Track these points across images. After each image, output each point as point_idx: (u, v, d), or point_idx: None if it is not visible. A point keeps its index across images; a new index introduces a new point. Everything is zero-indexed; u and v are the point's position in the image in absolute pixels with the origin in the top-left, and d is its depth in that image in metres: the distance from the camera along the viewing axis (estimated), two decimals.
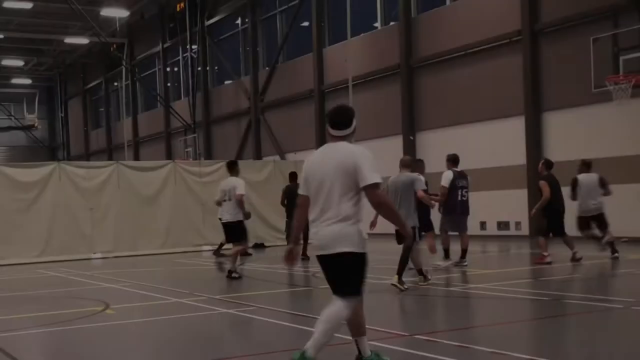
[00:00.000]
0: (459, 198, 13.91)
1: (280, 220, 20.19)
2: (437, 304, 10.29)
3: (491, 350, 6.47)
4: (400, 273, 10.89)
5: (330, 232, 5.68)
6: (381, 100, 26.48)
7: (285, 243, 19.41)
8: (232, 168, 14.10)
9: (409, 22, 25.09)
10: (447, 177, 13.95)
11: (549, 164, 14.35)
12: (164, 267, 17.44)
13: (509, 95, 21.53)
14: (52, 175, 20.71)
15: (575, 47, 19.38)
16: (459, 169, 14.12)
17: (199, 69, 38.53)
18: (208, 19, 37.96)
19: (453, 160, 14.19)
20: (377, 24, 27.31)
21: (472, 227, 22.05)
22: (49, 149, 60.85)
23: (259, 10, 34.67)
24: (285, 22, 32.57)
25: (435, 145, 23.70)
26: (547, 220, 14.08)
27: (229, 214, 13.69)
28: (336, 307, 5.65)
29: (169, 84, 44.20)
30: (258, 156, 33.32)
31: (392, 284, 10.81)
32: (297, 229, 6.15)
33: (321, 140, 29.37)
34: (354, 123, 5.97)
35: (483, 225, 21.94)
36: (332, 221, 5.68)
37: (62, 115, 61.01)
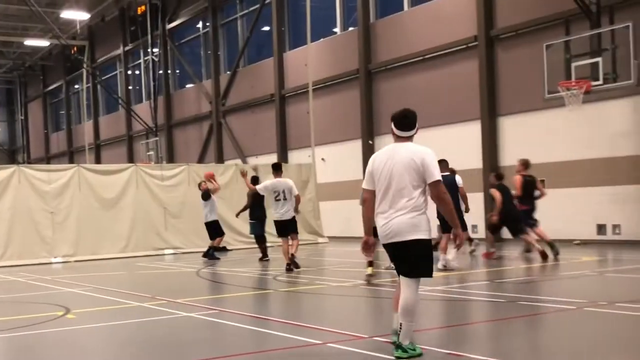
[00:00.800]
0: None
1: (244, 223, 20.14)
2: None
3: (447, 352, 6.56)
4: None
5: (402, 221, 6.35)
6: (341, 105, 26.59)
7: (252, 245, 19.48)
8: (279, 169, 15.26)
9: (367, 27, 25.23)
10: None
11: (499, 176, 15.48)
12: (126, 271, 17.30)
13: (465, 100, 21.77)
14: (11, 179, 20.42)
15: (529, 53, 19.65)
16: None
17: (161, 72, 38.30)
18: (169, 23, 37.76)
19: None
20: (337, 29, 27.41)
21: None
22: (8, 152, 60.00)
23: (220, 14, 34.59)
24: (246, 27, 32.54)
25: None
26: (500, 222, 15.10)
27: (287, 212, 14.96)
28: (408, 290, 6.32)
29: (130, 87, 43.86)
30: (220, 160, 33.23)
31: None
32: (368, 221, 6.61)
33: (282, 145, 29.38)
34: (417, 125, 6.75)
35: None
36: (404, 212, 6.36)
37: (22, 118, 60.16)
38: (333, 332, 7.59)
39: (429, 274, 6.47)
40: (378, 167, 6.60)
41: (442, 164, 14.08)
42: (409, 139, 6.71)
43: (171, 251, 22.03)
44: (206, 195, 19.33)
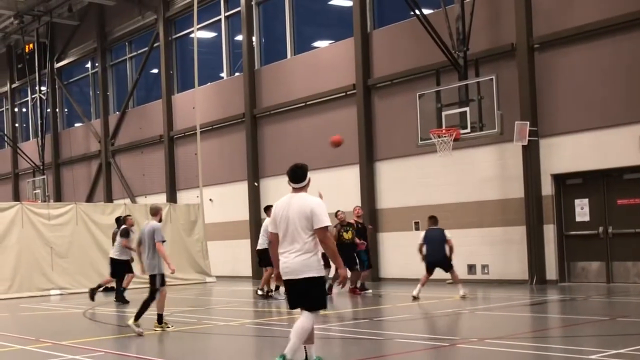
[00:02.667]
0: None
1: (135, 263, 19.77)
2: (280, 344, 10.51)
3: None
4: (138, 317, 11.35)
5: (297, 261, 7.29)
6: (228, 147, 26.72)
7: (141, 284, 19.15)
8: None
9: (252, 73, 25.54)
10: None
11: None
12: (9, 312, 16.71)
13: (345, 145, 22.15)
14: None
15: (404, 101, 20.28)
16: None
17: (49, 110, 37.38)
18: (57, 62, 37.03)
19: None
20: (223, 74, 27.62)
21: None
22: None
23: (109, 55, 34.22)
24: (135, 68, 32.31)
25: (278, 191, 24.11)
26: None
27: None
28: (305, 319, 7.25)
29: (17, 124, 42.55)
30: (109, 199, 32.62)
31: (130, 324, 11.26)
32: (276, 258, 7.55)
33: (171, 185, 29.22)
34: (308, 176, 7.62)
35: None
36: (299, 253, 7.29)
37: None
38: None
39: (322, 306, 7.46)
40: (278, 214, 7.49)
41: (432, 220, 15.91)
42: (302, 189, 7.55)
43: (57, 292, 21.39)
44: (127, 232, 17.54)
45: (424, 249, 15.56)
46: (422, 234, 16.09)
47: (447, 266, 15.61)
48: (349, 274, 15.38)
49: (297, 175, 7.58)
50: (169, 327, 11.71)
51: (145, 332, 11.23)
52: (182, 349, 10.13)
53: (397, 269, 20.76)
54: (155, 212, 11.98)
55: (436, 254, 15.52)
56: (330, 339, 10.53)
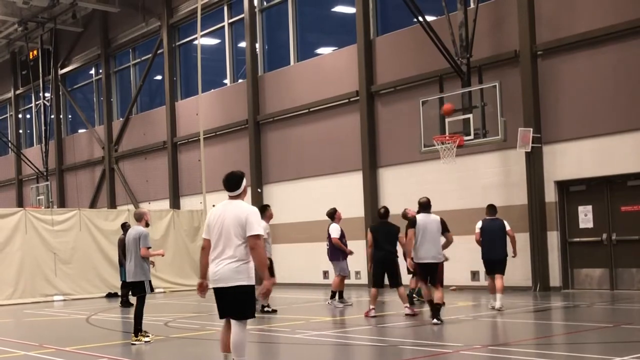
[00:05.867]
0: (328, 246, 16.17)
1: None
2: (279, 350, 10.49)
3: None
4: (138, 329, 11.14)
5: (228, 268, 7.15)
6: (231, 154, 26.71)
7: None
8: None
9: (256, 80, 25.56)
10: (334, 228, 16.32)
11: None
12: (13, 318, 16.73)
13: (348, 151, 22.28)
14: None
15: (407, 108, 20.32)
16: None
17: (52, 116, 37.43)
18: (61, 68, 37.08)
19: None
20: (227, 81, 27.64)
21: (315, 276, 22.63)
22: None
23: (113, 62, 34.27)
24: (139, 75, 32.35)
25: (281, 198, 24.15)
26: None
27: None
28: (238, 330, 7.14)
29: (20, 131, 42.61)
30: (112, 205, 32.62)
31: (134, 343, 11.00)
32: (204, 266, 7.44)
33: (174, 191, 29.23)
34: (244, 183, 7.56)
35: (325, 274, 22.39)
36: (231, 260, 7.16)
37: None
38: None
39: (252, 315, 7.32)
40: (213, 220, 7.40)
41: (491, 209, 14.10)
42: (238, 197, 7.51)
43: (61, 297, 21.39)
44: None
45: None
46: (479, 224, 14.35)
47: (504, 268, 13.82)
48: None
49: (232, 184, 7.52)
50: (148, 337, 11.23)
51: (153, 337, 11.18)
52: (185, 356, 10.10)
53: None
54: (139, 217, 11.57)
55: (497, 251, 13.82)
56: (334, 345, 10.50)
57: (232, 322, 7.21)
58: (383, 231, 13.94)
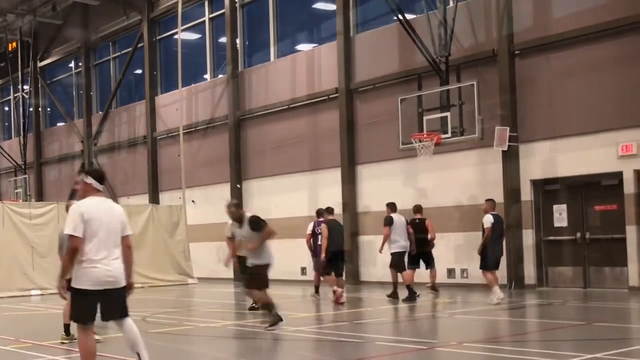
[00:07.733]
0: (318, 242, 16.27)
1: None
2: (261, 346, 10.52)
3: None
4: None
5: (119, 268, 7.07)
6: (211, 149, 26.65)
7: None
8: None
9: (236, 75, 25.49)
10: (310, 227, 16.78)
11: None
12: None
13: (327, 148, 22.31)
14: None
15: (386, 105, 20.32)
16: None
17: (31, 109, 37.12)
18: (41, 60, 36.79)
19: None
20: (207, 76, 27.56)
21: (294, 272, 22.64)
22: None
23: (92, 55, 34.05)
24: (119, 69, 32.17)
25: (261, 193, 24.14)
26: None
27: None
28: (133, 324, 7.20)
29: None
30: None
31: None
32: (67, 267, 7.09)
33: (154, 186, 29.09)
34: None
35: (303, 270, 22.40)
36: (119, 260, 7.10)
37: None
38: None
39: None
40: (91, 218, 7.02)
41: (490, 203, 14.86)
42: (99, 192, 7.38)
43: (38, 292, 21.21)
44: None
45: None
46: (489, 217, 14.59)
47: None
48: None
49: (104, 178, 7.52)
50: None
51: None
52: (162, 351, 10.09)
53: (378, 272, 20.76)
54: None
55: (501, 246, 14.47)
56: (307, 341, 10.54)
57: (124, 320, 7.18)
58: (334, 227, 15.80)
